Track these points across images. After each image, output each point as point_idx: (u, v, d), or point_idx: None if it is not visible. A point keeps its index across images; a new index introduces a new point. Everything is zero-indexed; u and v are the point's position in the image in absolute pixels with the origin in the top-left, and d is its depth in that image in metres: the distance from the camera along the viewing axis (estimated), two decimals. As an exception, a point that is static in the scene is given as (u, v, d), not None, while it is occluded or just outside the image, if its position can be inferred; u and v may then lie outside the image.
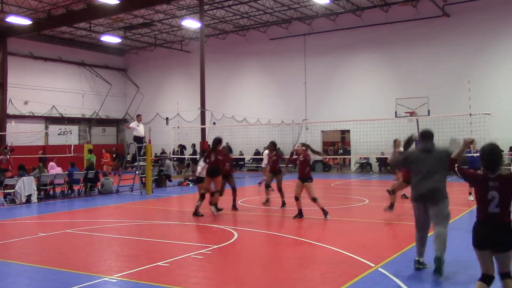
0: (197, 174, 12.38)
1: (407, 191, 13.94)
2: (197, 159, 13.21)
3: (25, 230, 10.43)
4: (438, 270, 6.07)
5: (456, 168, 5.13)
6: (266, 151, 15.90)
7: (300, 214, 11.06)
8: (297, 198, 11.00)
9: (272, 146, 13.37)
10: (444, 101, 24.00)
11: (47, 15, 26.16)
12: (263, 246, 8.79)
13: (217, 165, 11.55)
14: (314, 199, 10.89)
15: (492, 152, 4.70)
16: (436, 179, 6.32)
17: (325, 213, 10.89)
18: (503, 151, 4.74)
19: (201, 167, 12.08)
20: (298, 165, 11.25)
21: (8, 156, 18.07)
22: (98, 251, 8.18)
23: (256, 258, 7.62)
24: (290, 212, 11.94)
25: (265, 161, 15.58)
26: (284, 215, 11.61)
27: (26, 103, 30.34)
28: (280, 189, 12.88)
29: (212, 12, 27.27)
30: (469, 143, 5.45)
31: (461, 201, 13.51)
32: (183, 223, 11.21)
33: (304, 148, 11.25)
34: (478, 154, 12.49)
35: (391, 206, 11.07)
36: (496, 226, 4.61)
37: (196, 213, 11.77)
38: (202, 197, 11.81)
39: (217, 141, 11.73)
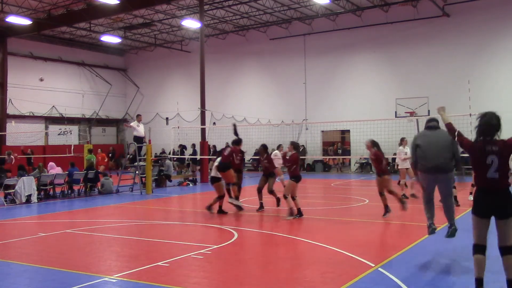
0: (213, 175, 12.11)
1: (407, 191, 14.00)
2: (211, 159, 13.09)
3: (25, 230, 10.43)
4: (452, 235, 6.89)
5: (456, 133, 5.41)
6: (276, 151, 15.92)
7: (299, 213, 11.08)
8: (285, 197, 11.14)
9: (263, 149, 12.91)
10: (444, 101, 23.86)
11: (47, 15, 26.17)
12: (263, 246, 8.78)
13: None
14: (284, 196, 11.05)
15: (491, 117, 4.85)
16: (444, 152, 6.81)
17: (291, 213, 10.98)
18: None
19: (214, 169, 12.07)
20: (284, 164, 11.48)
21: (12, 157, 18.24)
22: (98, 251, 8.18)
23: (256, 258, 7.62)
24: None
25: (277, 161, 15.63)
26: (284, 215, 11.59)
27: (41, 79, 30.20)
28: (271, 192, 12.75)
29: (212, 12, 27.28)
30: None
31: (461, 201, 13.51)
32: (183, 223, 11.21)
33: (291, 146, 11.37)
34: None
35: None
36: (497, 192, 4.59)
37: (221, 211, 11.96)
38: (223, 196, 11.89)
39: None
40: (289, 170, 11.13)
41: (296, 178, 11.04)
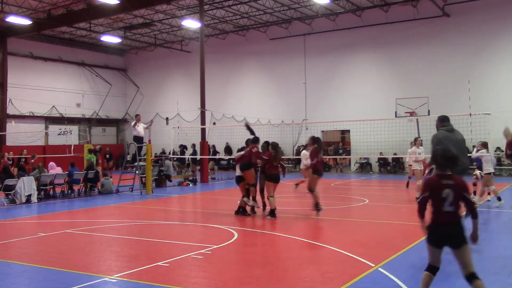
0: (238, 174, 11.87)
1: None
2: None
3: (25, 230, 10.43)
4: None
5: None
6: (304, 151, 15.91)
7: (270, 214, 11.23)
8: (311, 191, 11.33)
9: (266, 146, 12.18)
10: (444, 101, 24.00)
11: (47, 15, 26.17)
12: (263, 246, 8.78)
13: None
14: (310, 190, 11.35)
15: (445, 154, 4.87)
16: (466, 154, 7.24)
17: (316, 206, 11.16)
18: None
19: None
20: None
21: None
22: (98, 251, 8.18)
23: (256, 258, 7.62)
24: (290, 212, 11.94)
25: (304, 162, 15.69)
26: (284, 215, 11.60)
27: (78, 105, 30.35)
28: (262, 191, 12.52)
29: (212, 12, 27.28)
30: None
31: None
32: (183, 223, 11.21)
33: (310, 140, 11.67)
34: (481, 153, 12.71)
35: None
36: (452, 225, 4.74)
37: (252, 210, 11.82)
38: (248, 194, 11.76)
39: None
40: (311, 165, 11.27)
41: (317, 172, 11.15)
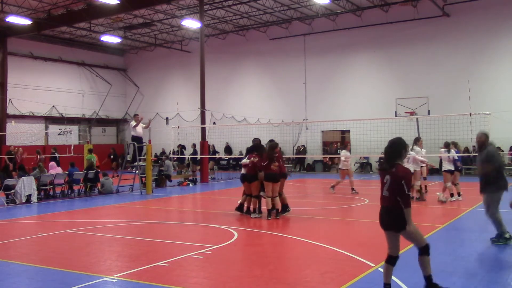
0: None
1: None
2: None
3: (25, 230, 10.43)
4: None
5: None
6: (344, 151, 15.83)
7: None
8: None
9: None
10: (444, 101, 24.01)
11: (47, 15, 26.18)
12: (263, 246, 8.78)
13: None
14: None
15: (390, 145, 5.30)
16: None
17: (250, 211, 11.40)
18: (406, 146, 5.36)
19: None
20: None
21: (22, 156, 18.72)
22: (98, 251, 8.18)
23: (256, 258, 7.62)
24: (290, 212, 11.94)
25: (343, 161, 15.74)
26: (284, 215, 11.59)
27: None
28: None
29: (212, 12, 27.28)
30: None
31: (461, 201, 13.51)
32: (183, 223, 11.21)
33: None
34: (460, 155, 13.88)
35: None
36: (385, 209, 5.14)
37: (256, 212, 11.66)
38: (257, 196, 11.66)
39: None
40: None
41: (283, 175, 11.67)
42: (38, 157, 20.79)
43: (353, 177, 16.68)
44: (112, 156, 28.27)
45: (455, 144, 14.21)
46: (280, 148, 12.84)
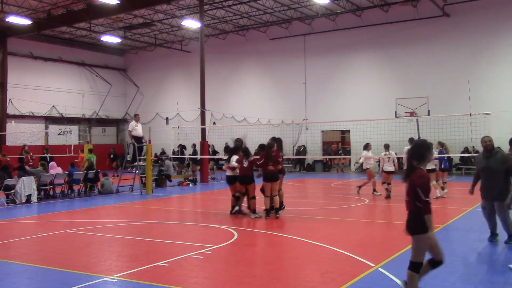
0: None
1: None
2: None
3: (25, 230, 10.43)
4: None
5: None
6: (365, 151, 15.73)
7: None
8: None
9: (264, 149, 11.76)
10: (444, 101, 24.01)
11: (47, 15, 26.18)
12: (263, 246, 8.79)
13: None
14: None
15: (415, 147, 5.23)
16: None
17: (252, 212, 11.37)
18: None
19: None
20: None
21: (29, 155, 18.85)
22: (98, 251, 8.18)
23: (256, 258, 7.62)
24: (290, 212, 11.94)
25: (366, 161, 15.59)
26: (284, 215, 11.60)
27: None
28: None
29: (212, 12, 27.28)
30: None
31: (461, 201, 13.52)
32: (183, 223, 11.21)
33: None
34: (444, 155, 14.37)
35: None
36: (408, 214, 5.04)
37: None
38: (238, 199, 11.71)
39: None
40: None
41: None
42: (29, 156, 19.97)
43: (376, 178, 16.13)
44: (112, 156, 28.29)
45: (442, 144, 14.77)
46: (281, 140, 12.88)
